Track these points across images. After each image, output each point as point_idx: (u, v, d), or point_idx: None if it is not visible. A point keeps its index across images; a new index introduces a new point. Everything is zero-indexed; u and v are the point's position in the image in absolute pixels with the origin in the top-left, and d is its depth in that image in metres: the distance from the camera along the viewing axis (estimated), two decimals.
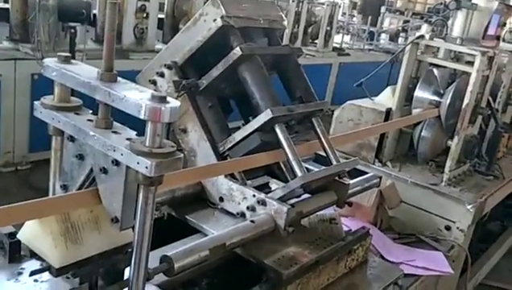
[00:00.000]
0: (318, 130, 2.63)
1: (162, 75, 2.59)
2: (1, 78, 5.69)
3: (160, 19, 7.87)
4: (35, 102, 1.74)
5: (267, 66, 2.57)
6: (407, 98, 4.09)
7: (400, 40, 13.50)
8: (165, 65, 2.58)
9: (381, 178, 3.02)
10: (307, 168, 2.47)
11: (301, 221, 2.55)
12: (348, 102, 4.22)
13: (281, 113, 2.39)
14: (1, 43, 6.36)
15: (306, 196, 2.69)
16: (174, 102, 1.50)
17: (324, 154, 2.73)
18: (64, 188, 1.77)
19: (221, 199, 2.52)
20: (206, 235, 2.35)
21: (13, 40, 6.31)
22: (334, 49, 11.06)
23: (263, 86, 2.46)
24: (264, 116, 2.35)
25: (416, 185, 3.82)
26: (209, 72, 2.50)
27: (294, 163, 2.39)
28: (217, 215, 2.50)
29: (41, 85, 5.88)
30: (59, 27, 6.10)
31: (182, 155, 1.55)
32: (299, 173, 2.37)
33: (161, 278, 1.88)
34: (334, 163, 2.60)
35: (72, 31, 5.89)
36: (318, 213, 2.66)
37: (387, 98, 4.28)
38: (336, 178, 2.67)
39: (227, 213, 2.50)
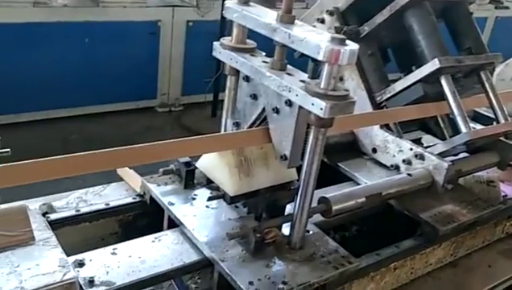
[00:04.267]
0: (486, 84, 2.44)
1: (322, 21, 2.57)
2: (160, 23, 6.14)
3: None
4: (215, 43, 1.85)
5: (435, 13, 2.42)
6: None
7: None
8: (326, 11, 2.55)
9: None
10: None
11: (458, 180, 2.43)
12: None
13: (449, 64, 2.25)
14: None
15: (463, 155, 2.55)
16: (353, 45, 1.49)
17: (483, 112, 2.55)
18: (237, 125, 1.89)
19: (374, 150, 2.50)
20: (358, 183, 2.37)
21: None
22: (491, 1, 9.98)
23: (431, 34, 2.33)
24: (430, 66, 2.23)
25: None
26: (372, 19, 2.43)
27: (458, 118, 2.25)
28: (370, 165, 2.49)
29: (194, 32, 6.31)
30: None
31: (355, 99, 1.56)
32: (463, 129, 2.23)
33: (317, 218, 1.95)
34: (502, 121, 2.41)
35: None
36: (475, 173, 2.52)
37: None
38: (501, 138, 2.48)
39: (380, 165, 2.47)
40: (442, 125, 2.64)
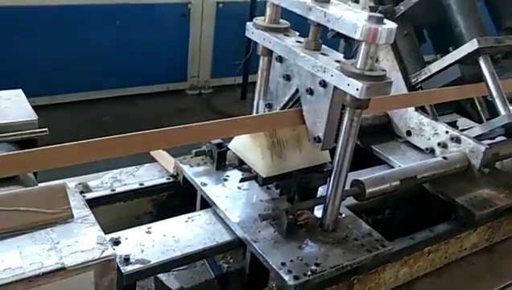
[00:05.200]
0: None
1: (356, 1, 2.51)
2: (190, 5, 6.14)
3: None
4: (248, 23, 1.83)
5: None
6: None
7: None
8: None
9: None
10: None
11: (495, 164, 2.36)
12: None
13: (488, 44, 2.18)
14: None
15: (500, 138, 2.48)
16: (391, 24, 1.45)
17: None
18: (269, 106, 1.88)
19: (409, 133, 2.45)
20: (391, 167, 2.33)
21: None
22: None
23: (470, 13, 2.25)
24: (469, 46, 2.17)
25: None
26: None
27: (497, 101, 2.19)
28: (404, 148, 2.45)
29: (224, 14, 6.28)
30: None
31: (392, 79, 1.52)
32: (502, 112, 2.17)
33: (349, 201, 1.93)
34: None
35: None
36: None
37: None
38: None
39: (414, 148, 2.43)
40: (479, 107, 2.57)
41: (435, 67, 2.34)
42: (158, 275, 1.75)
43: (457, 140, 2.22)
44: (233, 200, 1.89)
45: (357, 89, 1.47)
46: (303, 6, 1.60)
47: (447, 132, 2.27)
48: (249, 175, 1.81)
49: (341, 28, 1.48)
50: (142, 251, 1.64)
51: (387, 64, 2.47)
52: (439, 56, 2.46)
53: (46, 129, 1.75)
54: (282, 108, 1.83)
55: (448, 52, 2.31)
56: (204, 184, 1.96)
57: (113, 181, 2.14)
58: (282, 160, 1.78)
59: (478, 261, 2.19)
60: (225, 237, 1.79)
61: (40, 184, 1.54)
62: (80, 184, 2.04)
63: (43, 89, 5.31)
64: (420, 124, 2.38)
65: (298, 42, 1.73)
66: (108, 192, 2.03)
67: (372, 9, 2.42)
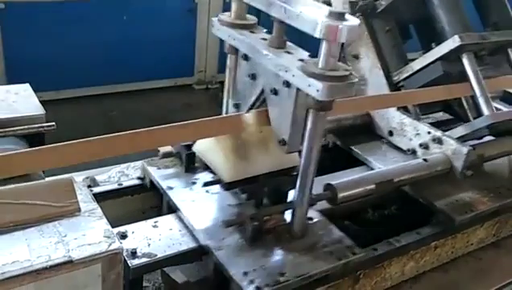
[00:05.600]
0: None
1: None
2: (197, 0, 6.05)
3: None
4: (213, 19, 1.75)
5: None
6: None
7: None
8: None
9: None
10: (495, 107, 2.16)
11: (483, 166, 2.26)
12: None
13: (471, 41, 2.09)
14: None
15: (489, 138, 2.39)
16: (353, 20, 1.36)
17: None
18: (236, 106, 1.80)
19: (391, 133, 2.36)
20: (371, 168, 2.24)
21: None
22: None
23: (453, 9, 2.16)
24: (451, 43, 2.07)
25: None
26: None
27: (481, 100, 2.10)
28: (385, 149, 2.36)
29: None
30: None
31: (356, 79, 1.43)
32: (486, 112, 2.08)
33: (324, 205, 1.85)
34: None
35: None
36: (502, 158, 2.35)
37: None
38: None
39: (395, 148, 2.34)
40: (466, 106, 2.47)
41: (417, 64, 2.24)
42: (165, 269, 1.72)
43: (439, 141, 2.13)
44: (199, 204, 1.82)
45: (318, 90, 1.39)
46: (265, 2, 1.51)
47: (429, 133, 2.18)
48: (214, 178, 1.73)
49: (301, 25, 1.39)
50: (149, 245, 1.63)
51: (368, 61, 2.38)
52: (421, 53, 2.36)
53: (53, 123, 1.76)
54: (250, 108, 1.75)
55: (431, 49, 2.22)
56: (170, 188, 1.88)
57: (120, 175, 2.14)
58: (247, 164, 1.70)
59: (485, 256, 2.15)
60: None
61: (48, 178, 1.52)
62: (87, 178, 2.03)
63: (48, 83, 5.26)
64: (402, 124, 2.29)
65: (263, 39, 1.65)
66: (115, 186, 2.00)
67: (352, 4, 2.33)
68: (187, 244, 1.68)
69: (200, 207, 1.80)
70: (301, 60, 1.51)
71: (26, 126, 1.71)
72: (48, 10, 5.21)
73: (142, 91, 6.02)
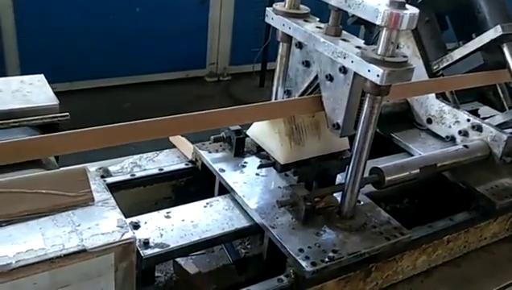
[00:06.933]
0: None
1: None
2: None
3: None
4: (267, 8, 1.82)
5: None
6: None
7: None
8: None
9: None
10: None
11: None
12: None
13: None
14: None
15: None
16: (413, 9, 1.43)
17: None
18: (288, 93, 1.87)
19: (429, 120, 2.43)
20: (411, 155, 2.31)
21: None
22: None
23: None
24: (493, 32, 2.13)
25: None
26: None
27: None
28: (424, 136, 2.42)
29: (243, 1, 6.24)
30: None
31: (414, 66, 1.50)
32: None
33: (368, 188, 1.92)
34: None
35: None
36: None
37: None
38: None
39: (435, 136, 2.40)
40: (501, 95, 2.52)
41: (457, 54, 2.30)
42: (177, 259, 1.78)
43: (479, 128, 2.19)
44: (251, 186, 1.90)
45: (378, 75, 1.46)
46: None
47: (468, 120, 2.24)
48: (268, 161, 1.81)
49: (362, 13, 1.46)
50: (162, 235, 1.67)
51: (408, 50, 2.43)
52: (461, 43, 2.41)
53: (67, 113, 1.77)
54: (301, 95, 1.82)
55: (471, 39, 2.27)
56: (223, 170, 1.97)
57: (133, 166, 2.17)
58: (300, 147, 1.78)
59: (498, 251, 2.17)
60: (243, 222, 1.80)
61: (61, 168, 1.56)
62: (100, 168, 2.07)
63: (62, 75, 5.36)
64: (441, 112, 2.35)
65: (318, 28, 1.72)
66: (128, 177, 2.05)
67: None
68: (199, 235, 1.70)
69: (253, 188, 1.88)
70: (358, 47, 1.58)
71: (40, 117, 1.72)
72: (62, 2, 5.28)
73: (154, 83, 6.09)
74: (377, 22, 1.42)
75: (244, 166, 2.01)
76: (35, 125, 1.72)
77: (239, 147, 2.05)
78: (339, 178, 1.93)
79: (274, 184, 1.93)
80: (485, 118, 2.28)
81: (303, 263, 1.58)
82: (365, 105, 1.58)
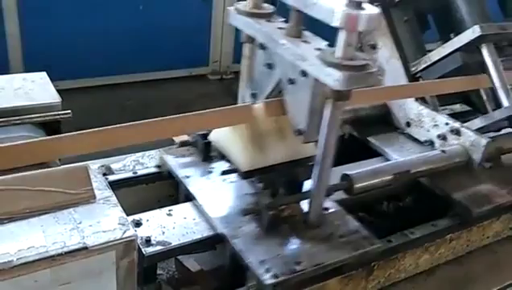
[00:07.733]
0: None
1: None
2: None
3: None
4: (229, 8, 1.75)
5: None
6: None
7: None
8: None
9: None
10: None
11: (501, 159, 2.24)
12: None
13: (491, 32, 2.06)
14: None
15: (507, 130, 2.36)
16: (371, 9, 1.35)
17: None
18: (253, 96, 1.80)
19: (408, 124, 2.35)
20: (388, 159, 2.23)
21: None
22: None
23: None
24: (470, 33, 2.05)
25: None
26: None
27: (500, 91, 2.08)
28: (402, 140, 2.34)
29: None
30: None
31: (375, 69, 1.43)
32: (505, 103, 2.06)
33: (340, 195, 1.85)
34: None
35: None
36: None
37: None
38: None
39: (413, 140, 2.33)
40: (484, 98, 2.44)
41: (435, 55, 2.22)
42: (179, 257, 1.75)
43: (457, 132, 2.11)
44: (216, 193, 1.83)
45: (336, 80, 1.38)
46: None
47: (447, 124, 2.16)
48: (232, 167, 1.74)
49: (318, 14, 1.39)
50: (163, 233, 1.64)
51: (386, 51, 2.36)
52: (440, 44, 2.33)
53: (69, 111, 1.76)
54: (267, 98, 1.75)
55: (450, 40, 2.19)
56: (187, 177, 1.90)
57: (135, 164, 2.12)
58: (264, 153, 1.71)
59: (501, 249, 2.12)
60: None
61: (63, 166, 1.53)
62: (102, 166, 2.03)
63: (65, 73, 5.32)
64: (420, 115, 2.27)
65: (280, 28, 1.64)
66: (130, 174, 2.02)
67: None
68: (201, 233, 1.68)
69: (217, 196, 1.81)
70: (318, 50, 1.50)
71: (42, 114, 1.72)
72: (66, 1, 5.27)
73: (157, 81, 6.07)
74: (334, 24, 1.34)
75: (210, 172, 1.94)
76: (38, 122, 1.72)
77: (207, 151, 1.98)
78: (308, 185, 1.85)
79: (240, 191, 1.86)
80: (464, 122, 2.20)
81: (264, 276, 1.51)
82: (327, 111, 1.50)
